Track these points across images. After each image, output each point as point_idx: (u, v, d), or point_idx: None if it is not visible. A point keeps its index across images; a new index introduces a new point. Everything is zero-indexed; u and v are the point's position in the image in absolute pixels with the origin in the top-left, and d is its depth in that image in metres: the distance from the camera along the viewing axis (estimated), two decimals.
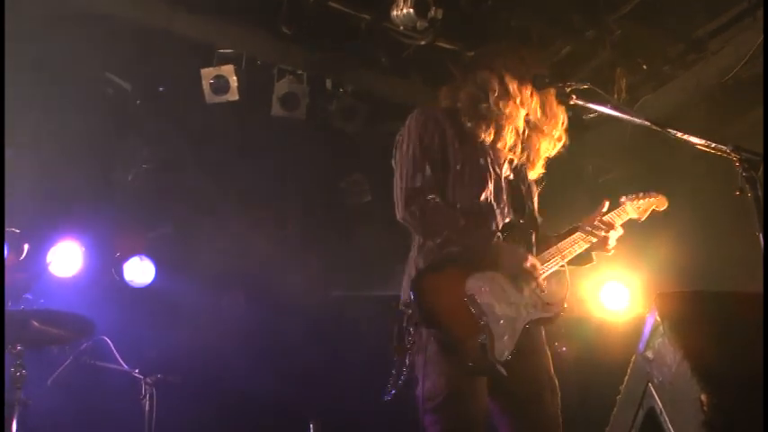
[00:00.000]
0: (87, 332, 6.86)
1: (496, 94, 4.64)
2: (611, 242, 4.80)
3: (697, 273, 7.71)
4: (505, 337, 4.20)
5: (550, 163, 4.96)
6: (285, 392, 8.51)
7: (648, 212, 5.06)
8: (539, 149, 4.83)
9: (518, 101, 4.68)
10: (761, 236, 3.51)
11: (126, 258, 8.76)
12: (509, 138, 4.71)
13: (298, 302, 9.26)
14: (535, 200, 4.88)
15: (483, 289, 4.28)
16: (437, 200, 4.45)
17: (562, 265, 4.63)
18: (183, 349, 8.26)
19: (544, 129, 4.81)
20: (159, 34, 7.29)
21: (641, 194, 5.08)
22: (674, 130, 4.03)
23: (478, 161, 4.63)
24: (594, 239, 4.74)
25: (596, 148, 8.22)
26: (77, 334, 6.83)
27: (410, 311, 4.21)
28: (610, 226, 4.79)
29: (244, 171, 8.66)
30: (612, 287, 8.72)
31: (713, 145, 3.83)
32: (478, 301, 4.21)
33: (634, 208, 5.00)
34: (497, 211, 4.57)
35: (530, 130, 4.82)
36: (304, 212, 9.06)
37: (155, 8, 7.17)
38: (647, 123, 4.18)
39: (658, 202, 5.10)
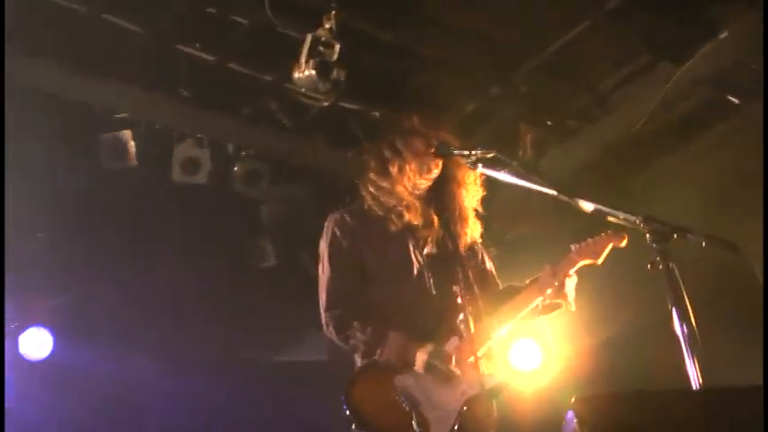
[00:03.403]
0: None
1: (393, 177, 4.71)
2: (569, 290, 4.65)
3: (613, 333, 7.78)
4: (441, 423, 4.27)
5: None
6: None
7: (606, 252, 4.66)
8: (463, 203, 4.82)
9: (418, 176, 4.72)
10: (673, 309, 3.46)
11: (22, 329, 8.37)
12: (418, 217, 4.72)
13: (202, 368, 9.07)
14: (475, 267, 4.86)
15: (413, 380, 4.38)
16: (345, 314, 4.58)
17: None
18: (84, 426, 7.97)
19: (459, 178, 4.81)
20: (52, 98, 7.04)
21: (591, 239, 4.82)
22: (583, 199, 3.95)
23: (396, 255, 4.70)
24: (549, 290, 4.60)
25: (502, 205, 8.16)
26: None
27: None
28: (563, 275, 4.63)
29: (143, 238, 8.39)
30: (523, 345, 8.43)
31: (622, 216, 3.77)
32: (411, 391, 4.33)
33: (586, 252, 4.69)
34: (425, 299, 4.63)
35: (445, 189, 4.82)
36: (208, 277, 8.83)
37: (46, 72, 6.92)
38: (554, 193, 4.11)
39: (615, 239, 4.67)
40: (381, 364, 4.44)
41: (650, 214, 3.66)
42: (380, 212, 4.73)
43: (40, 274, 8.41)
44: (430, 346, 4.44)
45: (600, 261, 4.69)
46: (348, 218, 4.79)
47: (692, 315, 3.43)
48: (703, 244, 3.55)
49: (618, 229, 4.52)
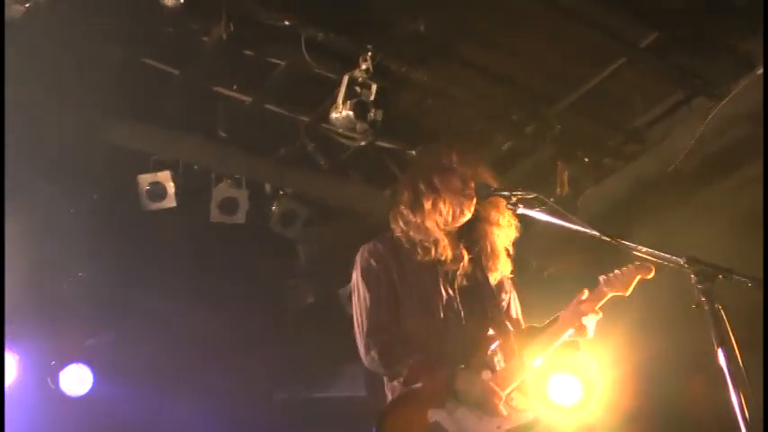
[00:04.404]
0: None
1: (425, 212, 4.66)
2: (590, 327, 4.61)
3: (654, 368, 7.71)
4: None
5: None
6: None
7: (634, 284, 4.61)
8: (495, 241, 4.78)
9: (452, 215, 4.68)
10: (719, 350, 3.42)
11: (63, 366, 8.42)
12: (447, 252, 4.67)
13: (242, 406, 9.08)
14: (503, 301, 4.84)
15: (447, 414, 4.28)
16: (392, 340, 4.51)
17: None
18: None
19: (492, 218, 4.77)
20: (92, 141, 7.12)
21: (619, 270, 4.64)
22: (625, 242, 3.93)
23: (426, 285, 4.65)
24: (572, 328, 4.57)
25: (540, 242, 8.14)
26: None
27: None
28: (589, 309, 4.58)
29: (183, 277, 8.43)
30: (562, 379, 8.31)
31: (666, 256, 3.75)
32: (444, 426, 4.24)
33: (615, 284, 4.63)
34: (456, 330, 4.57)
35: (476, 227, 4.79)
36: (246, 316, 8.86)
37: (87, 115, 7.00)
38: (596, 234, 4.08)
39: (643, 271, 4.60)
40: (415, 395, 4.36)
41: (694, 255, 3.62)
42: (408, 246, 4.70)
43: (79, 312, 8.50)
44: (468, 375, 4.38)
45: (628, 293, 4.64)
46: (380, 246, 4.76)
47: (738, 356, 3.39)
48: (749, 285, 3.52)
49: (645, 261, 4.50)
